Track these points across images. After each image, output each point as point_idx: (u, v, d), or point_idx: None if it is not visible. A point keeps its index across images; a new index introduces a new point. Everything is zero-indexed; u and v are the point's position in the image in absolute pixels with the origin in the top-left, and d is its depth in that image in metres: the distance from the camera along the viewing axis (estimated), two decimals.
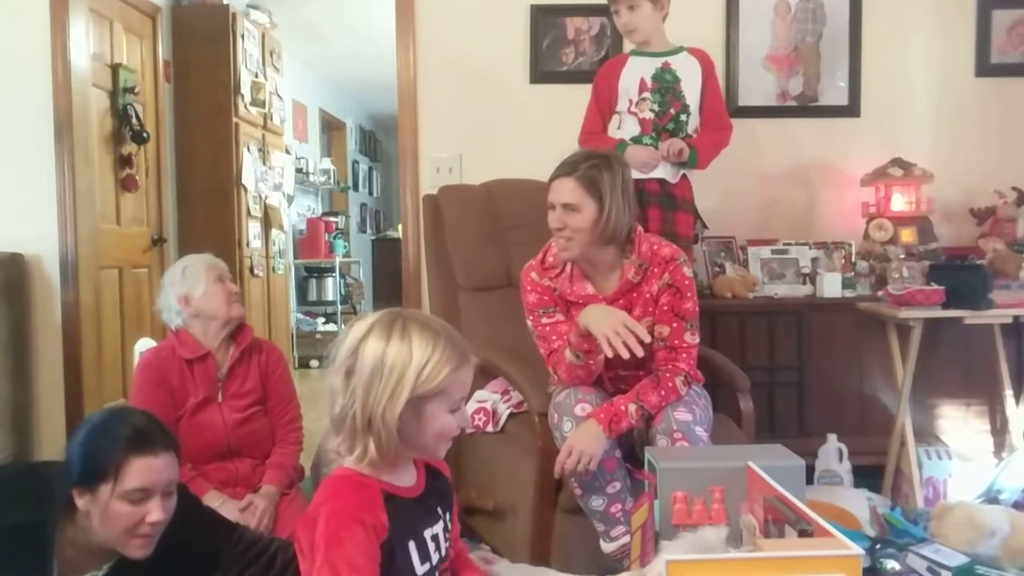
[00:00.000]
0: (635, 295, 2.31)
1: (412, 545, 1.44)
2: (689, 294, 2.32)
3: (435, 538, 1.50)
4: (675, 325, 2.30)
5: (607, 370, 2.38)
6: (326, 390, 1.43)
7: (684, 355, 2.29)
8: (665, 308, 2.30)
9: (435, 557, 1.48)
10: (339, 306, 7.50)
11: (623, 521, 2.15)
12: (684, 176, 2.94)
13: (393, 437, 1.37)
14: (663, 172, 2.89)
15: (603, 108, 3.04)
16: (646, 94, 2.92)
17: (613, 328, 2.09)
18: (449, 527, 1.56)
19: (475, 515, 2.69)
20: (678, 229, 2.87)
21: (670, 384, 2.24)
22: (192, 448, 2.48)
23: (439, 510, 1.54)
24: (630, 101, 2.95)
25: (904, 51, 3.72)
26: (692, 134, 2.94)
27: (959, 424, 3.29)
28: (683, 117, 2.91)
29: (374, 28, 6.31)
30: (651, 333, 2.33)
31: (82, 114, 3.82)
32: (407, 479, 1.48)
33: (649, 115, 2.92)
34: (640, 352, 2.09)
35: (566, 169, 2.25)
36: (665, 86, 2.90)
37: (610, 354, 2.11)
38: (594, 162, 2.25)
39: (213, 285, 2.54)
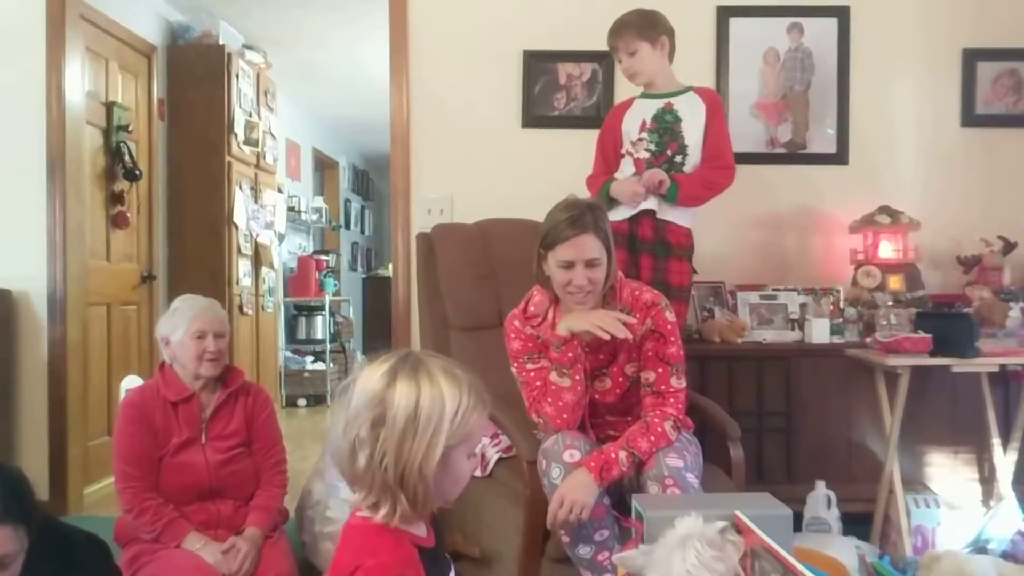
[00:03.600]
0: (619, 341, 2.30)
1: None
2: (673, 338, 2.31)
3: None
4: (660, 370, 2.30)
5: (592, 416, 2.38)
6: (341, 442, 1.32)
7: (672, 399, 2.29)
8: (650, 353, 2.30)
9: None
10: (328, 344, 7.46)
11: (610, 569, 2.12)
12: (676, 224, 2.90)
13: (431, 490, 1.30)
14: (649, 204, 2.87)
15: (607, 152, 3.06)
16: (643, 134, 2.93)
17: (598, 318, 2.18)
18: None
19: (461, 561, 2.66)
20: (670, 278, 2.85)
21: (659, 429, 2.23)
22: (174, 488, 2.47)
23: (447, 555, 1.51)
24: (630, 142, 2.97)
25: (891, 100, 3.77)
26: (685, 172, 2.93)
27: (947, 472, 3.28)
28: (678, 158, 2.90)
29: (368, 69, 6.37)
30: (637, 379, 2.33)
31: (75, 151, 3.84)
32: (423, 529, 1.41)
33: (644, 155, 2.92)
34: (625, 334, 2.17)
35: (582, 225, 2.20)
36: (664, 126, 2.91)
37: (606, 337, 2.16)
38: (596, 213, 2.25)
39: (189, 339, 2.52)
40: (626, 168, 2.98)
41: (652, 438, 2.21)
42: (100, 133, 4.20)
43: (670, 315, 2.32)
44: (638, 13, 2.95)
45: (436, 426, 1.29)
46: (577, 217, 2.21)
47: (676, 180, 2.86)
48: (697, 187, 2.89)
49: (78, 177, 3.88)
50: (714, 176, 2.92)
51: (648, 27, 2.91)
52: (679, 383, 2.31)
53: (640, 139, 2.93)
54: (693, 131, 2.91)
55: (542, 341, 2.33)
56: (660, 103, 2.94)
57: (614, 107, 3.18)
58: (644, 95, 3.01)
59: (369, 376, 1.33)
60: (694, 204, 2.93)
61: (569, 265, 2.21)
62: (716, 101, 3.00)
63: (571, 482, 2.12)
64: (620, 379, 2.34)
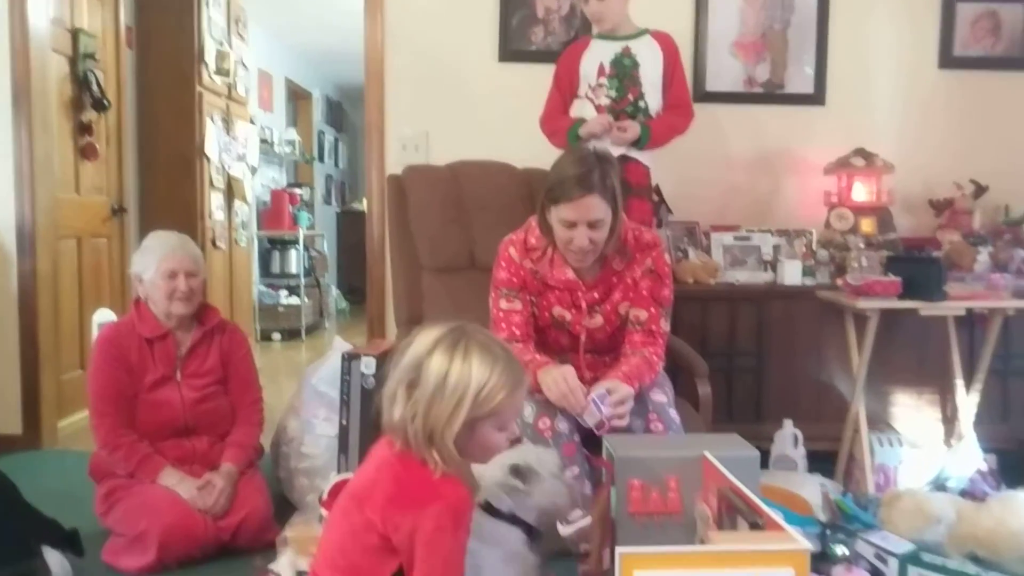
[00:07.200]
0: (615, 279, 2.34)
1: None
2: (668, 281, 2.37)
3: None
4: (653, 310, 2.34)
5: (585, 354, 2.41)
6: (386, 393, 1.51)
7: (661, 340, 2.35)
8: (644, 293, 2.34)
9: None
10: (302, 279, 7.42)
11: (581, 505, 2.17)
12: (637, 161, 2.96)
13: (452, 452, 1.47)
14: (617, 151, 2.89)
15: (564, 91, 3.07)
16: (603, 80, 2.96)
17: (564, 392, 2.16)
18: None
19: None
20: (631, 218, 2.86)
21: (656, 368, 2.30)
22: (149, 425, 2.48)
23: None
24: (588, 86, 2.98)
25: (870, 41, 3.75)
26: (653, 116, 2.98)
27: (911, 412, 3.35)
28: (641, 103, 2.95)
29: None
30: (626, 316, 2.36)
31: (40, 80, 3.74)
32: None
33: (605, 101, 2.96)
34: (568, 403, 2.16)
35: (588, 185, 2.16)
36: (623, 72, 2.94)
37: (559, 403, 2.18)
38: (603, 168, 2.21)
39: (160, 279, 2.50)
40: (585, 112, 3.00)
41: (652, 375, 2.28)
42: (66, 61, 4.08)
43: (668, 258, 2.37)
44: None
45: (460, 398, 1.46)
46: (584, 176, 2.17)
47: (647, 125, 2.92)
48: (664, 131, 2.98)
49: (44, 107, 3.78)
50: (679, 122, 3.02)
51: None
52: (666, 326, 2.37)
53: (600, 84, 2.97)
54: (652, 76, 2.97)
55: (539, 277, 2.34)
56: (618, 47, 2.96)
57: (571, 46, 3.17)
58: (601, 36, 3.03)
59: (423, 339, 1.51)
60: (658, 147, 3.01)
61: (572, 224, 2.20)
62: (674, 48, 3.03)
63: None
64: (612, 317, 2.36)
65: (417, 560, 1.47)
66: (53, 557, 1.90)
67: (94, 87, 4.22)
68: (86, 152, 4.23)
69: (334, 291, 8.72)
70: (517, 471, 1.76)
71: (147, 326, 2.53)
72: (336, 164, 10.69)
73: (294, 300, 7.27)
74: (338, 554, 1.52)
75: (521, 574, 1.73)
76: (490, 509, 1.75)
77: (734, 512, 1.45)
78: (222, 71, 5.56)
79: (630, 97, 2.94)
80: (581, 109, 3.01)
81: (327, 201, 10.10)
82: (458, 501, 1.49)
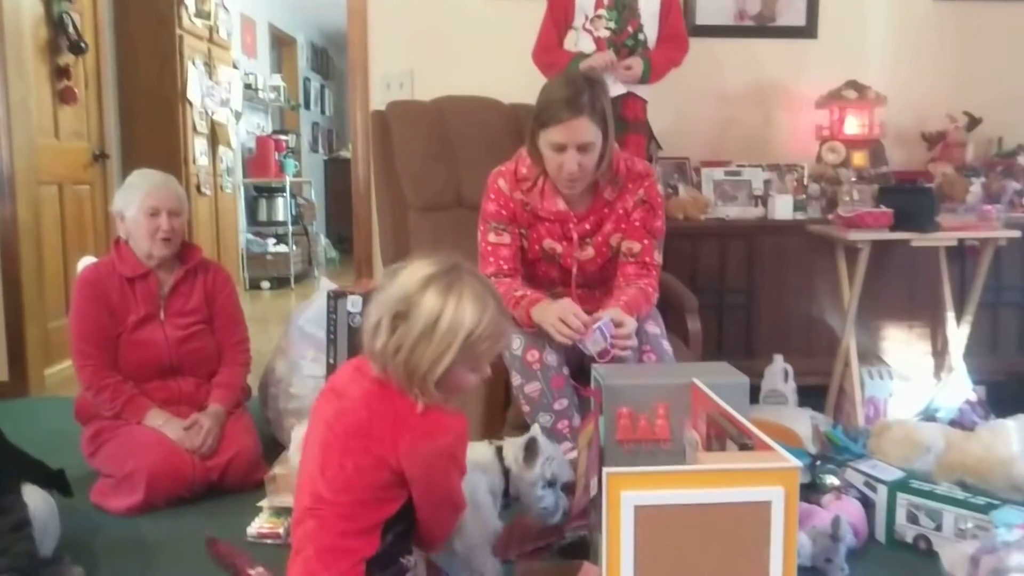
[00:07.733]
0: (607, 210, 2.30)
1: None
2: (660, 212, 2.34)
3: None
4: (646, 242, 2.31)
5: (576, 287, 2.38)
6: (369, 320, 1.49)
7: (655, 272, 2.34)
8: (637, 224, 2.30)
9: None
10: (290, 227, 7.36)
11: (570, 438, 2.16)
12: (636, 96, 2.91)
13: (432, 391, 1.47)
14: (618, 89, 2.87)
15: (559, 22, 3.00)
16: (601, 11, 2.90)
17: (559, 315, 2.12)
18: None
19: None
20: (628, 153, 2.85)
21: (652, 299, 2.29)
22: (133, 365, 2.46)
23: None
24: (585, 17, 2.91)
25: None
26: (650, 49, 2.95)
27: (902, 345, 3.35)
28: (640, 35, 2.90)
29: None
30: (618, 248, 2.33)
31: (13, 22, 3.64)
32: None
33: (605, 33, 2.90)
34: (563, 340, 2.13)
35: (578, 107, 2.11)
36: (622, 2, 2.88)
37: (557, 338, 2.13)
38: (593, 91, 2.15)
39: (143, 216, 2.45)
40: (583, 44, 2.94)
41: (648, 307, 2.27)
42: (40, 2, 3.97)
43: (661, 188, 2.34)
44: None
45: (448, 344, 1.44)
46: (573, 98, 2.12)
47: (648, 59, 2.88)
48: (664, 65, 2.95)
49: (18, 49, 3.68)
50: (676, 55, 3.00)
51: None
52: (659, 257, 2.35)
53: (599, 16, 2.90)
54: (650, 6, 2.93)
55: (529, 209, 2.30)
56: None
57: None
58: None
59: (413, 271, 1.48)
60: (657, 81, 2.97)
61: (561, 148, 2.15)
62: None
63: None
64: (604, 249, 2.33)
65: (428, 490, 1.51)
66: (36, 495, 1.88)
67: (70, 29, 4.12)
68: (64, 96, 4.14)
69: (323, 239, 8.66)
70: (530, 447, 1.79)
71: (127, 266, 2.49)
72: (322, 111, 10.55)
73: (282, 248, 7.21)
74: (343, 492, 1.49)
75: (489, 508, 1.76)
76: (499, 453, 1.82)
77: (723, 436, 1.43)
78: (202, 13, 5.45)
79: (630, 29, 2.89)
80: (577, 41, 2.95)
81: (314, 149, 9.98)
82: (464, 430, 1.53)
